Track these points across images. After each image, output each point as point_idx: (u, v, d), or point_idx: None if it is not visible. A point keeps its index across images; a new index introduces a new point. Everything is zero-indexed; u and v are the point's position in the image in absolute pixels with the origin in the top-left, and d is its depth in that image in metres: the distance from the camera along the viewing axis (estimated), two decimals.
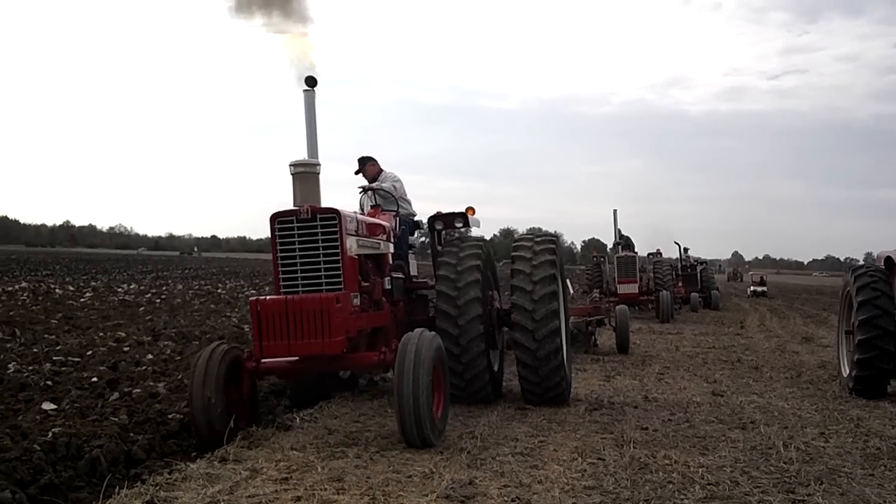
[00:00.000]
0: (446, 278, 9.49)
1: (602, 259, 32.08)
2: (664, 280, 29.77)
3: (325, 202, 8.26)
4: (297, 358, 7.76)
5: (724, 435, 8.15)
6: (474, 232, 10.81)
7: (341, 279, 7.74)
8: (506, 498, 5.81)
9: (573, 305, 16.69)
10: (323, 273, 7.74)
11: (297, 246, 7.77)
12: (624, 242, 30.15)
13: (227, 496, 5.65)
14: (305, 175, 7.94)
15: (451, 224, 10.53)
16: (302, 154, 8.42)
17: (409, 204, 11.18)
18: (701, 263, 39.31)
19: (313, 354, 7.57)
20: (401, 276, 9.88)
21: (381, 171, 11.20)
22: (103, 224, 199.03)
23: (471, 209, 10.60)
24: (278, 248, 7.78)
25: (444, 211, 10.60)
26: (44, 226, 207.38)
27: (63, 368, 11.62)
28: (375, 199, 10.76)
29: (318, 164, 8.10)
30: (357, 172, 11.21)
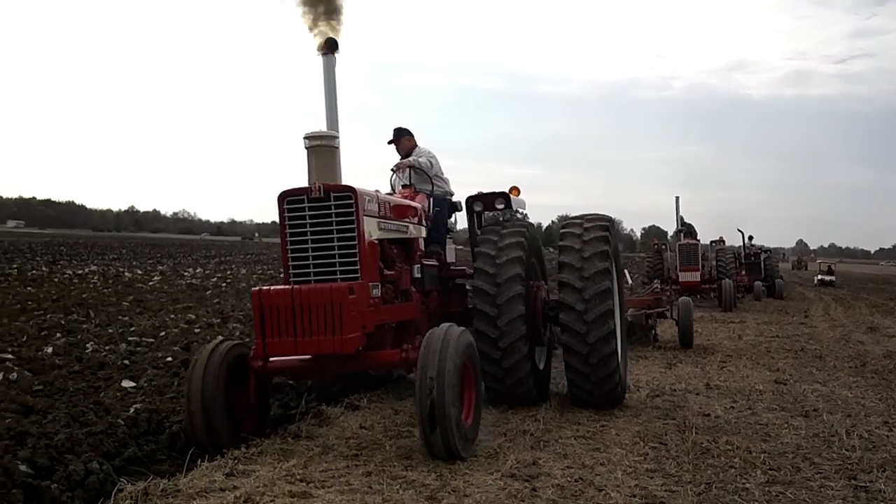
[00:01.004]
0: (484, 272, 8.44)
1: (663, 247, 31.85)
2: (727, 268, 29.48)
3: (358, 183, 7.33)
4: (308, 356, 6.94)
5: (787, 422, 8.17)
6: (520, 214, 9.94)
7: (358, 267, 6.82)
8: (569, 478, 5.97)
9: (630, 297, 15.90)
10: (338, 260, 6.83)
11: (308, 229, 6.84)
12: (686, 230, 29.84)
13: (301, 470, 5.91)
14: (321, 149, 6.96)
15: (491, 205, 9.58)
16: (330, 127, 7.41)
17: (446, 183, 10.20)
18: (765, 251, 38.70)
19: (323, 354, 6.72)
20: (434, 262, 9.03)
21: (416, 146, 10.20)
22: (167, 209, 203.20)
23: (515, 189, 9.75)
24: (287, 231, 6.88)
25: (485, 191, 9.70)
26: (110, 211, 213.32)
27: (138, 349, 12.08)
28: (409, 177, 9.84)
29: (336, 137, 7.11)
30: (390, 143, 10.29)
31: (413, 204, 8.89)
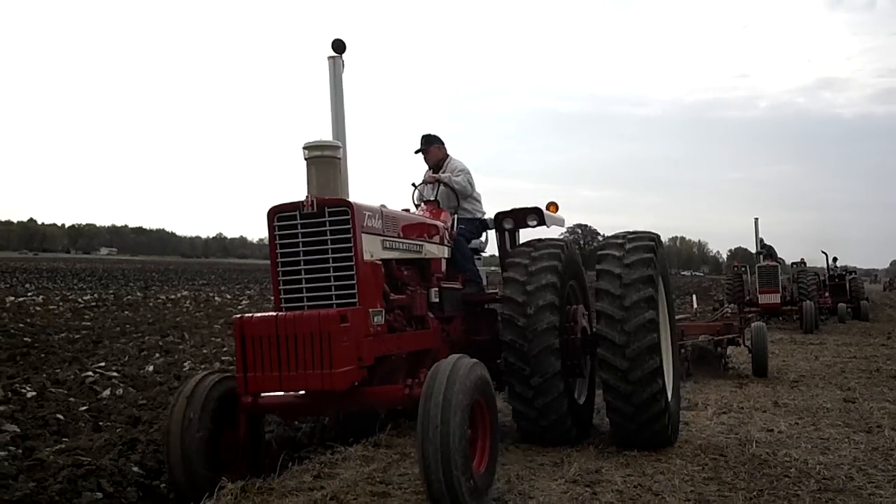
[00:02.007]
0: (513, 301, 7.59)
1: (744, 269, 31.68)
2: (808, 290, 29.19)
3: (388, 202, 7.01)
4: (302, 392, 6.20)
5: (848, 437, 8.40)
6: (558, 233, 9.22)
7: (355, 291, 6.07)
8: (629, 484, 6.39)
9: (697, 321, 15.27)
10: (333, 283, 6.08)
11: (300, 249, 6.13)
12: (766, 251, 29.70)
13: (381, 474, 6.46)
14: (322, 161, 6.29)
15: (522, 222, 8.85)
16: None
17: (478, 202, 9.27)
18: (850, 273, 38.07)
19: (311, 390, 6.02)
20: (456, 286, 8.16)
21: (447, 157, 9.23)
22: (253, 236, 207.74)
23: (552, 205, 9.07)
24: (278, 251, 6.18)
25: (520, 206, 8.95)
26: (198, 237, 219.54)
27: (231, 367, 12.87)
28: (437, 192, 8.93)
29: (339, 147, 6.47)
30: (418, 152, 9.29)
31: (431, 221, 8.07)
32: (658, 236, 8.12)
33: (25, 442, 7.73)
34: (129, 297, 34.28)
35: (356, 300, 6.06)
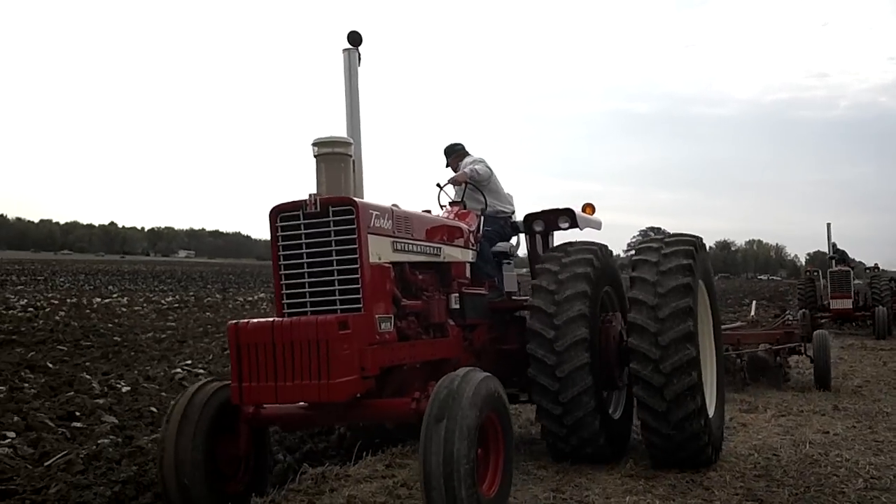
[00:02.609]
0: (543, 290, 7.27)
1: (816, 274, 31.37)
2: (881, 295, 28.78)
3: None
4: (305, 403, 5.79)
5: None
6: (594, 236, 8.60)
7: (360, 296, 5.71)
8: (681, 480, 6.78)
9: (755, 329, 14.04)
10: (337, 287, 5.74)
11: (304, 251, 5.82)
12: (839, 256, 29.40)
13: None
14: (332, 158, 6.00)
15: (553, 224, 8.35)
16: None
17: (505, 199, 8.80)
18: None
19: (308, 402, 5.64)
20: (481, 291, 7.72)
21: (467, 154, 9.00)
22: None
23: (589, 206, 8.61)
24: (280, 252, 5.87)
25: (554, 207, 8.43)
26: None
27: None
28: (463, 193, 8.52)
29: (350, 144, 6.19)
30: (448, 166, 9.10)
31: (451, 222, 7.65)
32: (699, 240, 7.58)
33: (124, 431, 8.50)
34: (209, 298, 35.59)
35: (360, 305, 5.69)
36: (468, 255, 7.68)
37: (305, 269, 5.81)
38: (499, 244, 8.48)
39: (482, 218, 8.24)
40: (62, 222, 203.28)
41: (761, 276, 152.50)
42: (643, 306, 6.97)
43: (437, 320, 6.75)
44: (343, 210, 5.75)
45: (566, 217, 8.26)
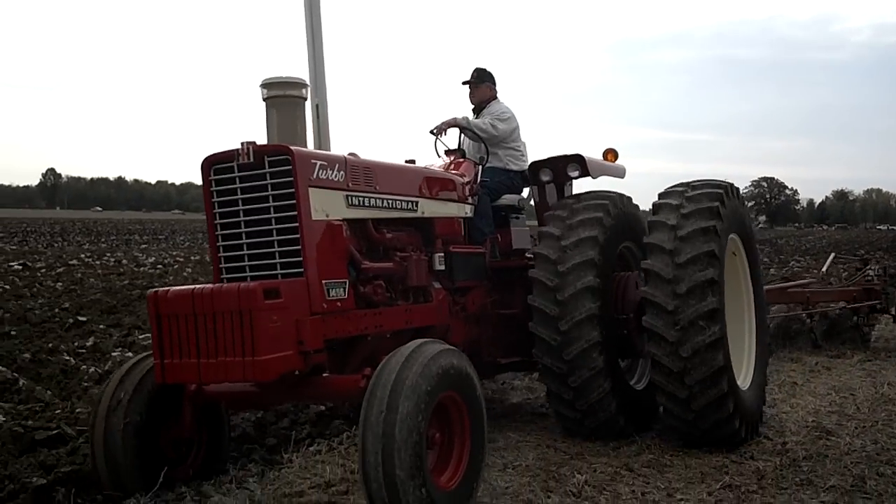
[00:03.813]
0: (544, 258, 6.49)
1: None
2: None
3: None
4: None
5: None
6: (612, 186, 7.67)
7: (301, 258, 5.00)
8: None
9: (826, 286, 12.32)
10: (277, 249, 5.05)
11: (240, 207, 5.11)
12: None
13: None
14: (283, 101, 5.41)
15: (562, 174, 7.27)
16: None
17: (518, 153, 7.80)
18: None
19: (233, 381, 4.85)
20: (475, 249, 6.89)
21: (494, 99, 7.95)
22: None
23: (611, 152, 7.71)
24: (215, 210, 5.17)
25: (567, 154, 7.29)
26: None
27: None
28: (459, 141, 7.73)
29: (303, 85, 5.54)
30: (466, 83, 7.97)
31: (434, 173, 6.80)
32: (730, 186, 6.66)
33: None
34: None
35: (302, 270, 4.99)
36: (461, 210, 6.85)
37: (243, 230, 5.11)
38: (505, 197, 7.61)
39: (479, 168, 7.31)
40: (178, 183, 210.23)
41: (880, 227, 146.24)
42: (660, 251, 6.14)
43: (416, 283, 6.04)
44: (279, 160, 5.02)
45: (576, 165, 7.21)
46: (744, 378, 6.68)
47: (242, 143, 5.03)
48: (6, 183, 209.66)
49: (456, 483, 4.68)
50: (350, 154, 5.71)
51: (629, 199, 7.19)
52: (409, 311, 5.94)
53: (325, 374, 5.15)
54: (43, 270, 22.53)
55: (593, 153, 7.51)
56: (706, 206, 6.27)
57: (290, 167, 4.99)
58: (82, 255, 28.82)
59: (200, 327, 4.70)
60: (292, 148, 5.06)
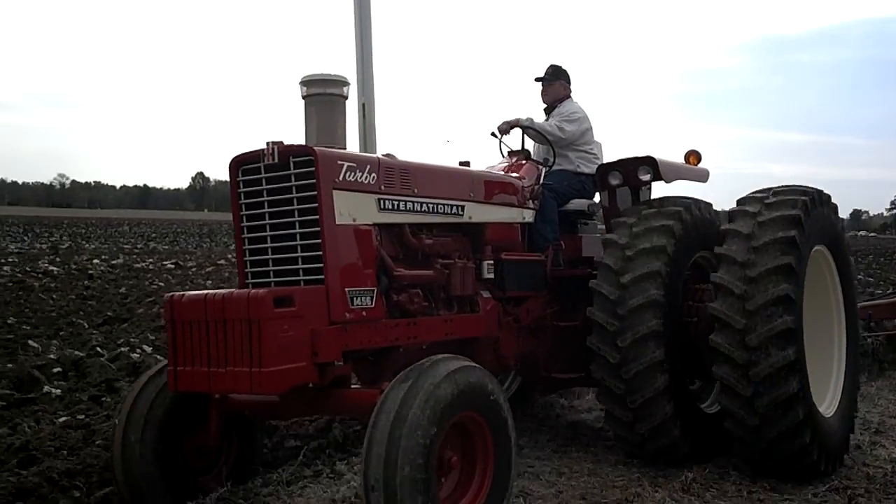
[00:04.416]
0: (607, 269, 6.00)
1: None
2: None
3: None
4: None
5: None
6: (693, 192, 6.97)
7: (322, 265, 4.74)
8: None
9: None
10: (300, 254, 4.82)
11: (265, 210, 4.92)
12: None
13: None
14: (322, 100, 5.11)
15: (633, 177, 6.75)
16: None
17: (591, 155, 7.31)
18: None
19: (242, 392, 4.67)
20: (537, 257, 6.54)
21: (567, 98, 7.46)
22: None
23: (694, 155, 7.13)
24: (242, 212, 5.00)
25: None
26: None
27: None
28: (522, 141, 7.21)
29: (345, 83, 5.21)
30: (539, 80, 7.53)
31: (486, 174, 6.39)
32: (818, 192, 6.07)
33: None
34: None
35: (322, 276, 4.75)
36: (519, 215, 6.50)
37: (268, 233, 4.92)
38: (574, 201, 7.11)
39: (543, 170, 6.95)
40: None
41: None
42: (731, 263, 5.60)
43: (460, 292, 5.71)
44: (304, 161, 4.79)
45: (647, 168, 6.64)
46: (828, 405, 6.07)
47: (268, 143, 4.83)
48: (159, 186, 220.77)
49: None
50: (386, 155, 5.45)
51: (708, 205, 6.61)
52: (451, 321, 5.61)
53: (346, 387, 4.96)
54: (193, 269, 23.93)
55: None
56: (786, 215, 5.65)
57: (313, 168, 4.75)
58: (229, 256, 29.74)
59: (212, 335, 4.52)
60: (316, 148, 4.82)
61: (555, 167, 7.05)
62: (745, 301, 5.42)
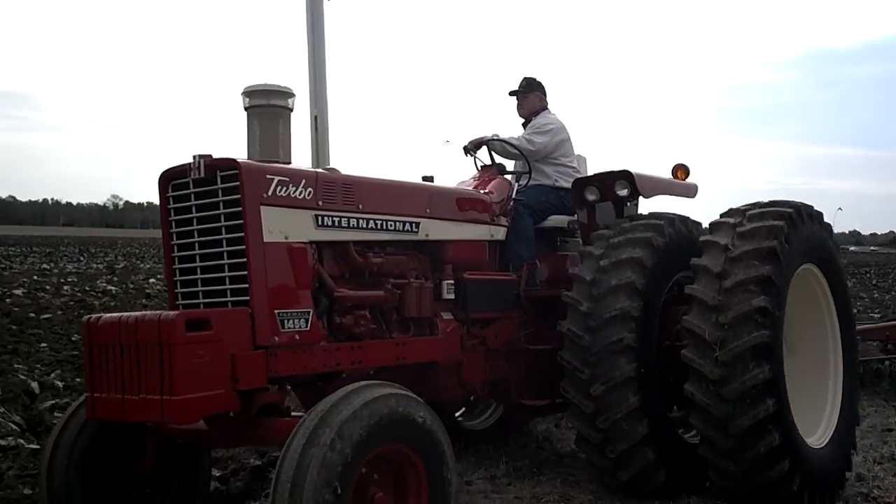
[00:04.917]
0: (579, 279, 5.70)
1: None
2: None
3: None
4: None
5: None
6: (677, 209, 6.50)
7: (247, 285, 4.45)
8: None
9: None
10: (227, 274, 4.54)
11: (194, 227, 4.65)
12: None
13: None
14: (266, 111, 4.88)
15: (610, 193, 6.39)
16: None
17: (570, 170, 6.96)
18: None
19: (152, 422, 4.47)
20: (505, 277, 6.17)
21: (544, 110, 7.18)
22: None
23: (681, 169, 6.79)
24: (172, 230, 4.75)
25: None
26: None
27: None
28: (492, 157, 6.85)
29: (290, 95, 4.97)
30: (513, 94, 7.26)
31: (446, 190, 6.07)
32: (805, 207, 5.71)
33: None
34: None
35: (248, 297, 4.45)
36: (486, 233, 6.12)
37: (197, 251, 4.64)
38: (552, 218, 6.77)
39: (515, 185, 6.59)
40: None
41: None
42: (706, 274, 5.25)
43: (416, 314, 5.40)
44: (230, 175, 4.51)
45: (624, 183, 6.28)
46: (820, 434, 5.63)
47: (194, 156, 4.55)
48: None
49: None
50: (328, 169, 5.18)
51: (696, 223, 6.22)
52: (403, 344, 5.26)
53: (278, 416, 4.63)
54: None
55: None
56: (768, 225, 5.29)
57: (238, 183, 4.45)
58: None
59: (126, 360, 4.22)
60: (241, 161, 4.54)
61: (531, 182, 6.73)
62: (718, 313, 5.06)
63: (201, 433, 4.73)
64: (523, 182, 6.70)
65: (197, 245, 4.63)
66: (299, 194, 4.75)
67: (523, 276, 6.21)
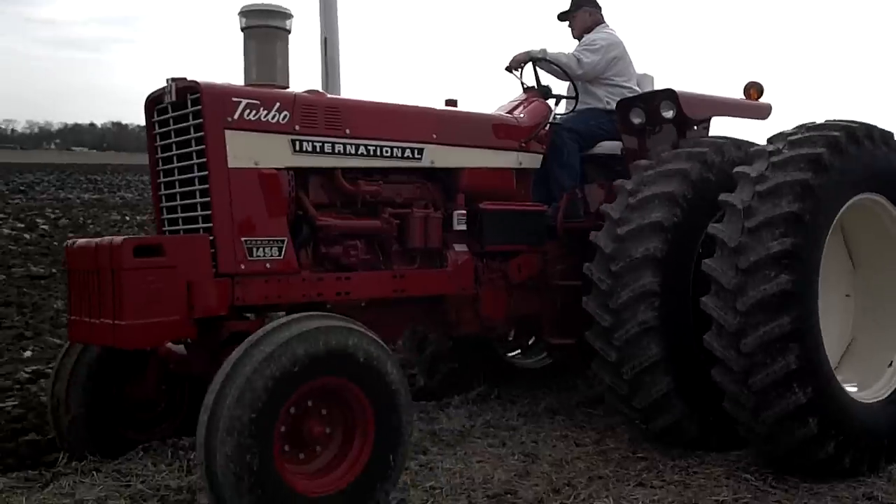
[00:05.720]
0: (609, 218, 5.21)
1: None
2: None
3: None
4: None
5: None
6: (737, 133, 5.97)
7: (210, 212, 4.36)
8: None
9: None
10: (199, 200, 4.43)
11: (174, 152, 4.56)
12: None
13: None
14: (263, 32, 4.71)
15: (655, 114, 5.79)
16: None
17: (625, 91, 6.25)
18: None
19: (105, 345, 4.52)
20: (530, 207, 5.73)
21: (598, 25, 6.51)
22: None
23: (754, 88, 6.16)
24: (158, 155, 4.69)
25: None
26: None
27: None
28: (536, 76, 6.15)
29: (289, 16, 4.76)
30: (562, 18, 6.69)
31: (453, 113, 5.67)
32: (864, 128, 4.87)
33: None
34: None
35: (211, 224, 4.36)
36: (512, 160, 5.68)
37: (176, 177, 4.57)
38: (602, 144, 6.16)
39: (553, 110, 6.02)
40: None
41: None
42: (733, 211, 4.62)
43: (421, 245, 5.15)
44: (196, 99, 4.37)
45: (670, 104, 5.70)
46: (881, 387, 5.02)
47: (168, 80, 4.45)
48: None
49: (346, 485, 3.93)
50: (309, 91, 4.87)
51: (751, 145, 5.42)
52: (403, 276, 5.01)
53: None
54: None
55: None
56: (805, 153, 4.57)
57: (199, 107, 4.34)
58: None
59: (91, 284, 4.27)
60: (202, 83, 4.36)
61: (580, 105, 6.23)
62: (738, 256, 4.45)
63: (183, 358, 4.73)
64: (572, 106, 6.25)
65: (176, 171, 4.56)
66: (272, 118, 4.55)
67: (562, 206, 5.79)
